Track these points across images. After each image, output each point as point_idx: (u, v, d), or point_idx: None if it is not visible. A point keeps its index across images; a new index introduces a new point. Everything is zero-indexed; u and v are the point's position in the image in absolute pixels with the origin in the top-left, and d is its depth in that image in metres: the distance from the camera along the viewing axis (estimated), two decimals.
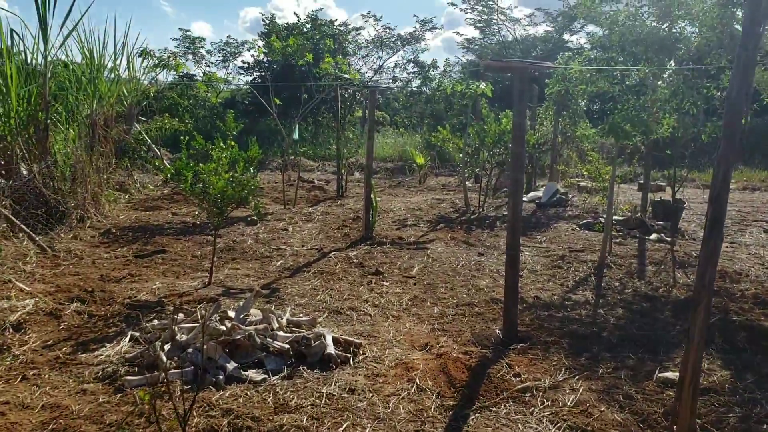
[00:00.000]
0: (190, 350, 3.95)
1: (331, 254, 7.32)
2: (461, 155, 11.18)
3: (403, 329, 4.89)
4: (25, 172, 8.59)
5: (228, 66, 27.11)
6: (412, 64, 30.09)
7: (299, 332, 4.40)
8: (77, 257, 7.06)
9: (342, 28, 26.31)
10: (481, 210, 10.37)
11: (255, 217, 6.14)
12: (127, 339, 4.51)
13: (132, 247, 7.61)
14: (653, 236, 8.38)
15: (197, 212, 8.85)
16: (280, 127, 12.17)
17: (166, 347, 4.06)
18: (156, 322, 4.75)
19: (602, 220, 9.16)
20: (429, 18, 28.28)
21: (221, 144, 9.20)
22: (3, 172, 8.51)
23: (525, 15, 28.62)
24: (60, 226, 8.30)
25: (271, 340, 4.05)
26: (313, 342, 4.13)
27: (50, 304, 5.24)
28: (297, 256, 7.27)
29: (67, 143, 9.60)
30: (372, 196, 8.31)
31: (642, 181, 9.58)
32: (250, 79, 26.65)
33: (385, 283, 6.17)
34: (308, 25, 25.71)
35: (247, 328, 4.13)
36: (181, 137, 9.17)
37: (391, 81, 28.73)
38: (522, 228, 9.20)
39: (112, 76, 10.45)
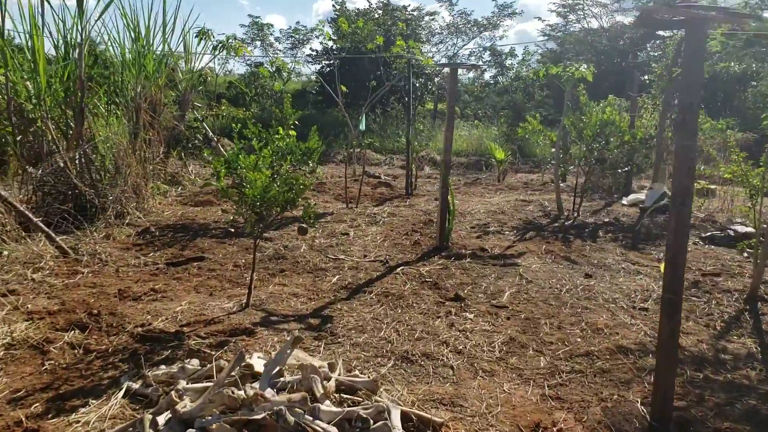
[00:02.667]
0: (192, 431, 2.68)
1: (398, 269, 5.96)
2: (553, 150, 9.57)
3: (501, 394, 3.46)
4: (61, 163, 7.65)
5: (296, 54, 26.15)
6: (488, 53, 28.34)
7: (353, 401, 3.06)
8: (101, 263, 5.99)
9: (415, 13, 24.86)
10: (575, 215, 8.77)
11: (304, 225, 4.78)
12: (121, 393, 3.30)
13: (167, 251, 6.50)
14: None
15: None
16: (346, 117, 10.91)
17: (162, 420, 2.80)
18: (163, 368, 3.52)
19: (733, 233, 7.41)
20: (508, 3, 26.36)
21: (276, 132, 8.01)
22: (34, 161, 7.60)
23: (613, 1, 26.22)
24: (94, 223, 7.31)
25: (310, 419, 2.73)
26: (372, 422, 2.78)
27: (42, 331, 4.11)
28: (357, 270, 5.95)
29: (109, 129, 8.64)
30: (449, 197, 6.90)
31: None
32: (318, 67, 25.63)
33: (468, 314, 4.75)
34: (379, 11, 24.42)
35: (278, 399, 2.81)
36: (233, 124, 8.07)
37: (466, 69, 27.05)
38: (629, 240, 7.59)
39: (161, 55, 9.42)
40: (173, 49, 10.86)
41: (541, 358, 3.97)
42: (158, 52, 9.29)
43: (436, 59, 25.31)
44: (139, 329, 4.23)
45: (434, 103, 26.12)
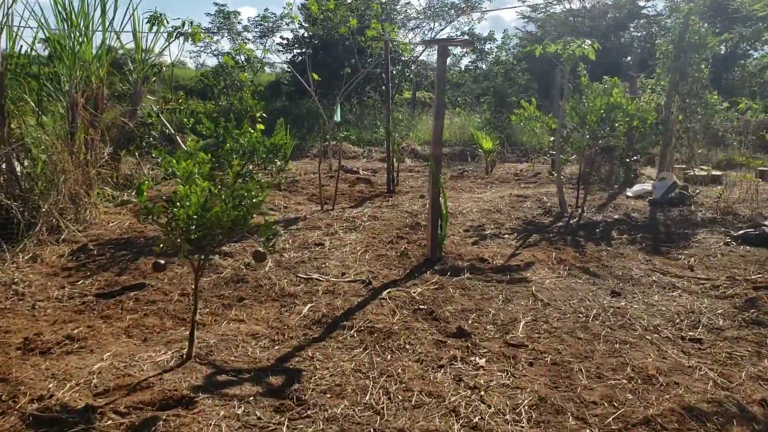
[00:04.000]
0: None
1: (384, 292, 4.85)
2: (551, 139, 8.53)
3: None
4: None
5: (266, 43, 24.83)
6: (466, 37, 27.25)
7: None
8: (16, 296, 4.81)
9: None
10: (580, 211, 7.73)
11: (261, 250, 3.65)
12: None
13: (102, 276, 5.32)
14: None
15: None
16: (319, 107, 9.74)
17: None
18: None
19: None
20: None
21: (237, 127, 6.86)
22: None
23: None
24: (20, 242, 6.11)
25: None
26: None
27: None
28: (334, 295, 4.83)
29: (42, 129, 7.40)
30: (441, 199, 5.80)
31: None
32: (289, 56, 24.33)
33: (478, 359, 3.66)
34: None
35: None
36: (185, 119, 6.93)
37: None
38: (649, 241, 6.56)
39: (103, 43, 8.16)
40: (120, 36, 9.61)
41: (587, 431, 2.90)
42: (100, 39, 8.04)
43: (412, 45, 24.18)
44: (35, 405, 3.08)
45: (413, 92, 25.00)
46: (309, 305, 4.60)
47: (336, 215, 7.88)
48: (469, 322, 4.24)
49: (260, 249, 3.79)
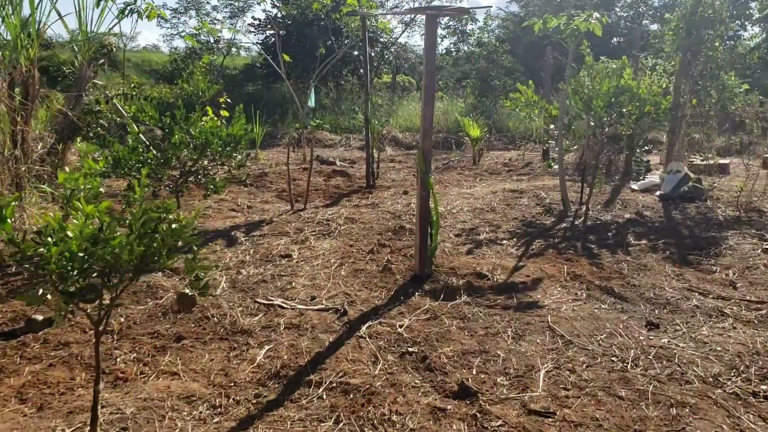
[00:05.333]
0: None
1: (363, 326, 3.84)
2: (551, 127, 7.54)
3: None
4: None
5: (236, 23, 23.48)
6: (447, 18, 26.18)
7: None
8: None
9: None
10: (585, 209, 6.78)
11: (187, 292, 2.58)
12: None
13: (8, 306, 4.23)
14: None
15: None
16: (291, 91, 8.61)
17: None
18: None
19: None
20: None
21: (187, 116, 5.79)
22: None
23: None
24: None
25: None
26: None
27: None
28: (299, 331, 3.81)
29: None
30: (432, 203, 4.78)
31: None
32: (262, 38, 23.02)
33: None
34: None
35: None
36: (132, 109, 5.87)
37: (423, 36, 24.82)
38: (673, 247, 5.59)
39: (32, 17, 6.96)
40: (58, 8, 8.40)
41: None
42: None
43: (392, 25, 23.03)
44: None
45: (392, 75, 23.89)
46: (266, 347, 3.57)
47: (308, 217, 6.83)
48: (474, 372, 3.25)
49: (186, 292, 2.75)
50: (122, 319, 4.01)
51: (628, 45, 26.67)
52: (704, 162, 9.73)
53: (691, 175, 8.01)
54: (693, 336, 3.67)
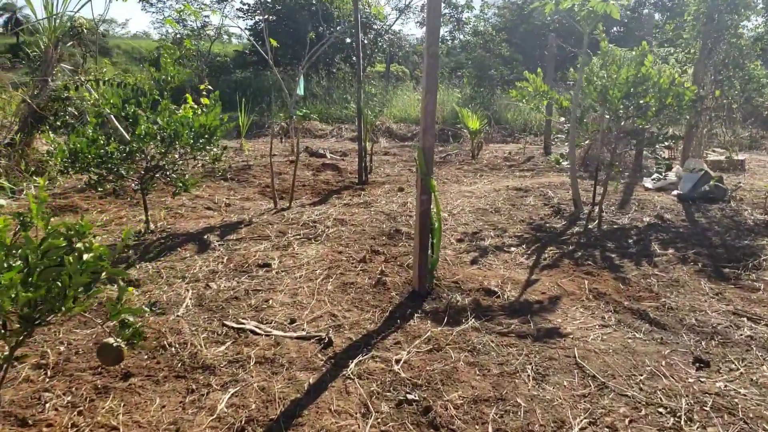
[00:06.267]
0: None
1: (351, 364, 3.15)
2: (562, 120, 6.85)
3: None
4: None
5: (224, 8, 22.61)
6: (443, 5, 25.41)
7: None
8: None
9: None
10: (599, 212, 6.13)
11: (113, 343, 1.86)
12: None
13: None
14: None
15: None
16: (279, 79, 7.83)
17: None
18: None
19: None
20: None
21: (153, 104, 5.08)
22: None
23: None
24: None
25: None
26: None
27: None
28: (273, 369, 3.12)
29: None
30: (433, 208, 4.09)
31: None
32: (251, 23, 22.19)
33: None
34: None
35: None
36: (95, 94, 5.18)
37: (419, 23, 23.99)
38: (706, 258, 4.91)
39: None
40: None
41: None
42: None
43: (386, 11, 22.25)
44: None
45: (386, 63, 23.13)
46: (231, 391, 2.88)
47: (292, 217, 6.14)
48: (489, 430, 2.58)
49: (111, 342, 2.06)
50: (62, 348, 3.32)
51: (628, 35, 26.00)
52: (718, 158, 9.11)
53: (712, 173, 7.37)
54: (754, 378, 3.01)
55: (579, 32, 6.87)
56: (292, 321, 3.69)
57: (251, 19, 22.03)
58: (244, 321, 3.69)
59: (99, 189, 5.14)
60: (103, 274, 1.87)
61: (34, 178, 7.37)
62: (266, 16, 20.30)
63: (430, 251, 4.13)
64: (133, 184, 5.48)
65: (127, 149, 5.05)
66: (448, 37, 26.66)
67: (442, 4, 25.19)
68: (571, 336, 3.46)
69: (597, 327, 3.60)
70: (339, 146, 12.47)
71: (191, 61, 21.38)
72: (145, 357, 3.24)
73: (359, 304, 3.97)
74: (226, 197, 7.20)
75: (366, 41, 20.07)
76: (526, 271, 4.65)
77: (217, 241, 5.31)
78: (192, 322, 3.67)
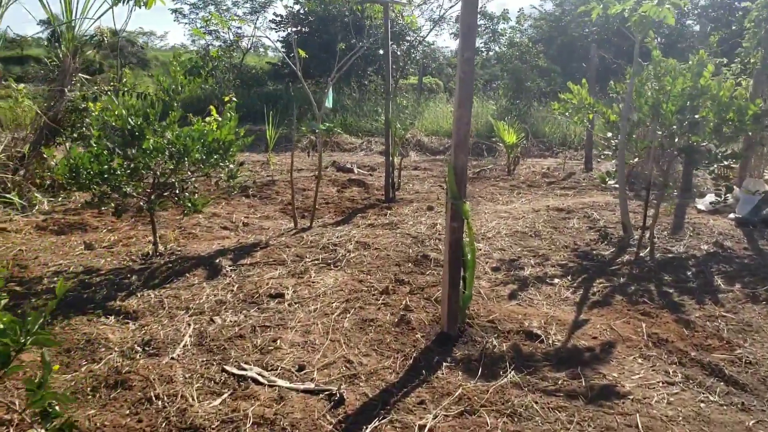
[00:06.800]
0: None
1: (366, 430, 2.63)
2: (608, 135, 6.24)
3: None
4: None
5: (257, 20, 22.48)
6: (478, 16, 24.88)
7: None
8: None
9: None
10: (650, 238, 5.50)
11: None
12: None
13: None
14: None
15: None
16: (307, 90, 7.38)
17: None
18: None
19: None
20: None
21: (163, 115, 4.69)
22: None
23: None
24: None
25: None
26: None
27: None
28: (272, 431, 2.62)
29: None
30: (465, 239, 3.55)
31: None
32: (283, 35, 22.00)
33: None
34: None
35: None
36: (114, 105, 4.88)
37: (453, 35, 23.51)
38: None
39: None
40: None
41: None
42: None
43: (420, 23, 21.79)
44: None
45: (419, 76, 22.67)
46: None
47: (312, 239, 5.66)
48: None
49: None
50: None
51: (669, 47, 25.08)
52: None
53: None
54: None
55: (620, 43, 6.31)
56: (301, 368, 3.19)
57: (284, 31, 21.84)
58: (246, 367, 3.20)
59: (101, 208, 4.75)
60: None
61: (37, 193, 7.07)
62: (298, 27, 20.06)
63: (461, 285, 3.59)
64: (141, 203, 5.07)
65: (132, 165, 4.64)
66: (483, 49, 26.10)
67: (479, 15, 24.70)
68: (631, 397, 2.88)
69: (661, 385, 3.01)
70: (368, 160, 12.01)
71: (223, 73, 21.28)
72: (127, 411, 2.77)
73: (379, 347, 3.45)
74: (245, 215, 6.77)
75: (399, 53, 19.66)
76: (573, 308, 4.08)
77: (229, 266, 4.86)
78: (188, 366, 3.20)
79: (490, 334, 3.60)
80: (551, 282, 4.61)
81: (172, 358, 3.29)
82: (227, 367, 3.20)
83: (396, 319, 3.81)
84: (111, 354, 3.33)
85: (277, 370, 3.17)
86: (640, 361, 3.29)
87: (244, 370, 3.17)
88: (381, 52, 20.72)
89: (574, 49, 23.24)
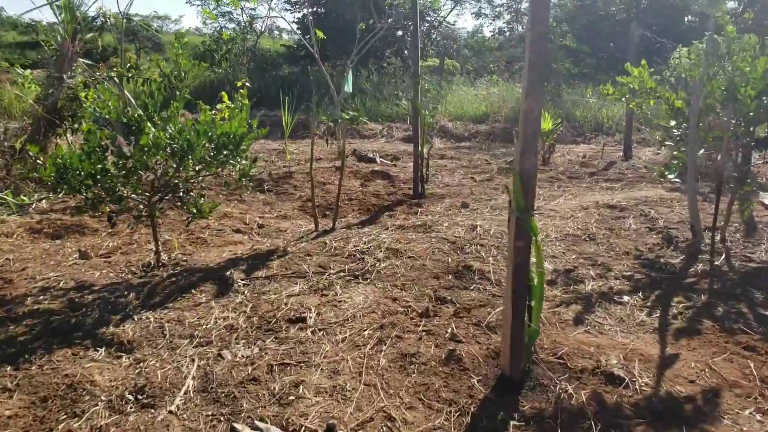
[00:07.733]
0: None
1: None
2: (672, 123, 5.46)
3: None
4: None
5: (270, 1, 21.69)
6: None
7: None
8: None
9: None
10: (720, 240, 4.75)
11: None
12: None
13: None
14: None
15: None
16: (325, 74, 6.70)
17: None
18: None
19: None
20: None
21: (164, 105, 4.02)
22: None
23: None
24: None
25: None
26: None
27: None
28: None
29: None
30: (532, 271, 2.85)
31: None
32: (299, 16, 21.22)
33: None
34: None
35: None
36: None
37: (474, 14, 22.59)
38: None
39: None
40: None
41: None
42: None
43: (442, 1, 20.90)
44: None
45: (440, 58, 21.79)
46: None
47: (336, 245, 4.99)
48: None
49: None
50: None
51: (701, 26, 23.89)
52: None
53: None
54: None
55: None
56: (330, 429, 2.52)
57: (299, 12, 21.05)
58: (261, 426, 2.54)
59: (93, 212, 4.12)
60: None
61: (35, 192, 6.46)
62: (314, 8, 19.28)
63: (527, 319, 2.90)
64: (140, 206, 4.43)
65: (129, 164, 3.99)
66: (505, 29, 25.16)
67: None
68: None
69: None
70: (390, 148, 11.29)
71: (237, 57, 20.58)
72: None
73: (426, 396, 2.77)
74: (260, 215, 6.11)
75: (419, 34, 18.85)
76: (655, 338, 3.37)
77: (242, 280, 4.21)
78: (189, 424, 2.56)
79: (560, 376, 2.91)
80: (620, 300, 3.90)
81: (170, 412, 2.65)
82: (237, 426, 2.55)
83: (443, 355, 3.13)
84: (96, 405, 2.70)
85: (300, 430, 2.51)
86: (759, 417, 2.59)
87: (259, 430, 2.52)
88: (400, 33, 19.90)
89: (597, 30, 22.20)
